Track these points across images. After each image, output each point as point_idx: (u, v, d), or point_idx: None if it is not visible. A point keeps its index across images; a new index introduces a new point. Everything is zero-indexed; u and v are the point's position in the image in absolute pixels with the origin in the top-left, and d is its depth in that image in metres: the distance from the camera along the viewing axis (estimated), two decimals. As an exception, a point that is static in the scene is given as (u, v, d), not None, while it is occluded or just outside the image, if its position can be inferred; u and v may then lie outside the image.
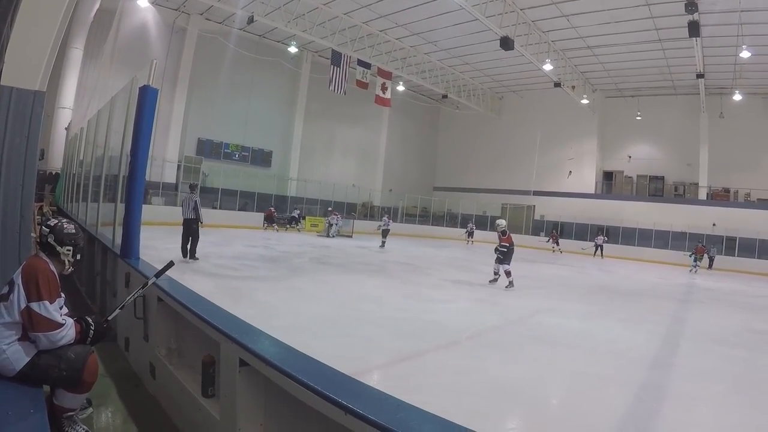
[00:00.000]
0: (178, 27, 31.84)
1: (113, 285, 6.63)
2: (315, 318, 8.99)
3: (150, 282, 4.38)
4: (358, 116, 43.87)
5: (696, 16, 23.50)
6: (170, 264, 4.60)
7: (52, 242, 3.70)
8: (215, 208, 30.92)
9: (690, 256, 26.78)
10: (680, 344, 9.96)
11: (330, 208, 33.69)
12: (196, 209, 14.88)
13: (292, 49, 35.32)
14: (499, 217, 17.57)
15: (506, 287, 14.93)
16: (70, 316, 3.71)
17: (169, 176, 31.65)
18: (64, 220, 3.87)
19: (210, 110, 34.32)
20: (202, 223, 15.23)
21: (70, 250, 3.77)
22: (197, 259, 14.57)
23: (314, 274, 14.97)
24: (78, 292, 8.57)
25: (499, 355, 7.74)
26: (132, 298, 4.30)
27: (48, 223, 3.80)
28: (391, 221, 28.42)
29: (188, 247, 14.67)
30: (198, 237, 14.93)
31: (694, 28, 24.11)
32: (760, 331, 11.99)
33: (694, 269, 25.50)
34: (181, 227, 15.07)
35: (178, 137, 32.30)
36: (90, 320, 3.81)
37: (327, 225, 31.65)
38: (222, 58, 33.62)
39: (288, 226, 33.08)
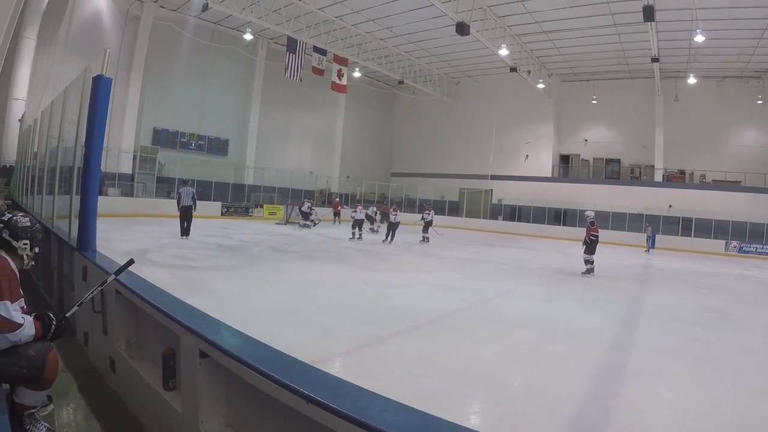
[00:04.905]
0: (132, 15, 31.09)
1: (70, 279, 6.51)
2: (274, 306, 9.00)
3: (110, 279, 4.31)
4: (314, 103, 43.54)
5: (650, 0, 23.76)
6: (130, 261, 4.49)
7: (8, 237, 3.65)
8: (172, 198, 30.51)
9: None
10: (639, 324, 10.15)
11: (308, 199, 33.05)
12: (194, 198, 18.91)
13: (248, 37, 35.02)
14: (590, 210, 18.89)
15: (584, 273, 16.54)
16: (28, 313, 3.66)
17: (125, 167, 31.03)
18: (20, 214, 3.80)
19: (165, 99, 33.76)
20: (195, 209, 18.93)
21: (27, 244, 3.72)
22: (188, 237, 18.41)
23: (273, 262, 14.96)
24: (35, 287, 8.44)
25: (460, 339, 7.80)
26: (90, 296, 4.24)
27: (2, 218, 3.74)
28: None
29: (185, 227, 18.59)
30: (192, 220, 18.75)
31: (648, 13, 24.37)
32: (715, 310, 12.24)
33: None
34: (178, 214, 18.83)
35: (133, 127, 31.62)
36: (51, 315, 3.76)
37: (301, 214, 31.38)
38: (177, 47, 33.14)
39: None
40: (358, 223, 24.72)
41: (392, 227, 24.42)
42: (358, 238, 24.14)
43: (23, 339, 3.47)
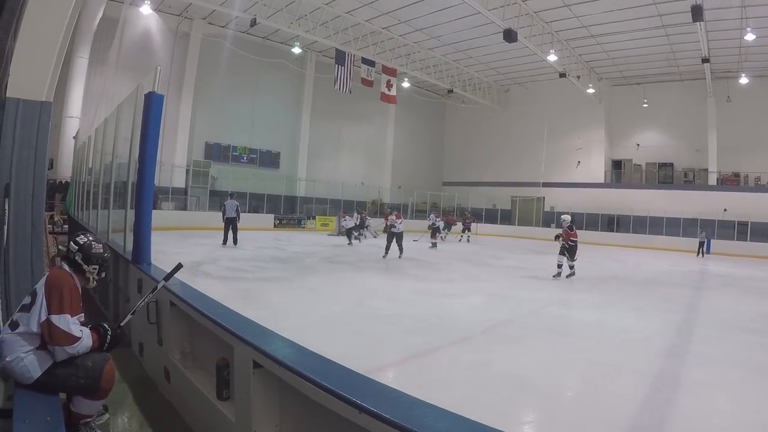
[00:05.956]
0: (182, 32, 31.91)
1: (126, 291, 6.65)
2: (327, 317, 9.04)
3: (160, 285, 4.41)
4: (364, 114, 43.87)
5: (699, 0, 23.24)
6: (179, 266, 4.60)
7: (80, 260, 3.77)
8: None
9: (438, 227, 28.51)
10: (695, 332, 9.85)
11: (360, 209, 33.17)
12: (238, 210, 20.68)
13: (296, 50, 35.60)
14: (565, 213, 18.96)
15: (567, 276, 16.22)
16: (85, 324, 3.74)
17: (179, 181, 31.83)
18: (92, 239, 3.91)
19: (217, 114, 34.43)
20: (239, 221, 20.79)
21: (96, 269, 3.85)
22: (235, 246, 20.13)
23: (325, 273, 15.04)
24: (91, 299, 8.62)
25: (512, 349, 7.73)
26: (143, 303, 4.33)
27: (77, 239, 3.86)
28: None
29: (229, 236, 20.48)
30: (237, 230, 20.64)
31: (697, 13, 23.62)
32: (774, 316, 11.77)
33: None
34: (223, 225, 20.83)
35: (185, 142, 32.41)
36: (107, 326, 3.85)
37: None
38: (226, 62, 33.67)
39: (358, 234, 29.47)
40: (349, 232, 26.71)
41: (395, 238, 20.25)
42: (348, 244, 25.42)
43: (81, 351, 3.56)
